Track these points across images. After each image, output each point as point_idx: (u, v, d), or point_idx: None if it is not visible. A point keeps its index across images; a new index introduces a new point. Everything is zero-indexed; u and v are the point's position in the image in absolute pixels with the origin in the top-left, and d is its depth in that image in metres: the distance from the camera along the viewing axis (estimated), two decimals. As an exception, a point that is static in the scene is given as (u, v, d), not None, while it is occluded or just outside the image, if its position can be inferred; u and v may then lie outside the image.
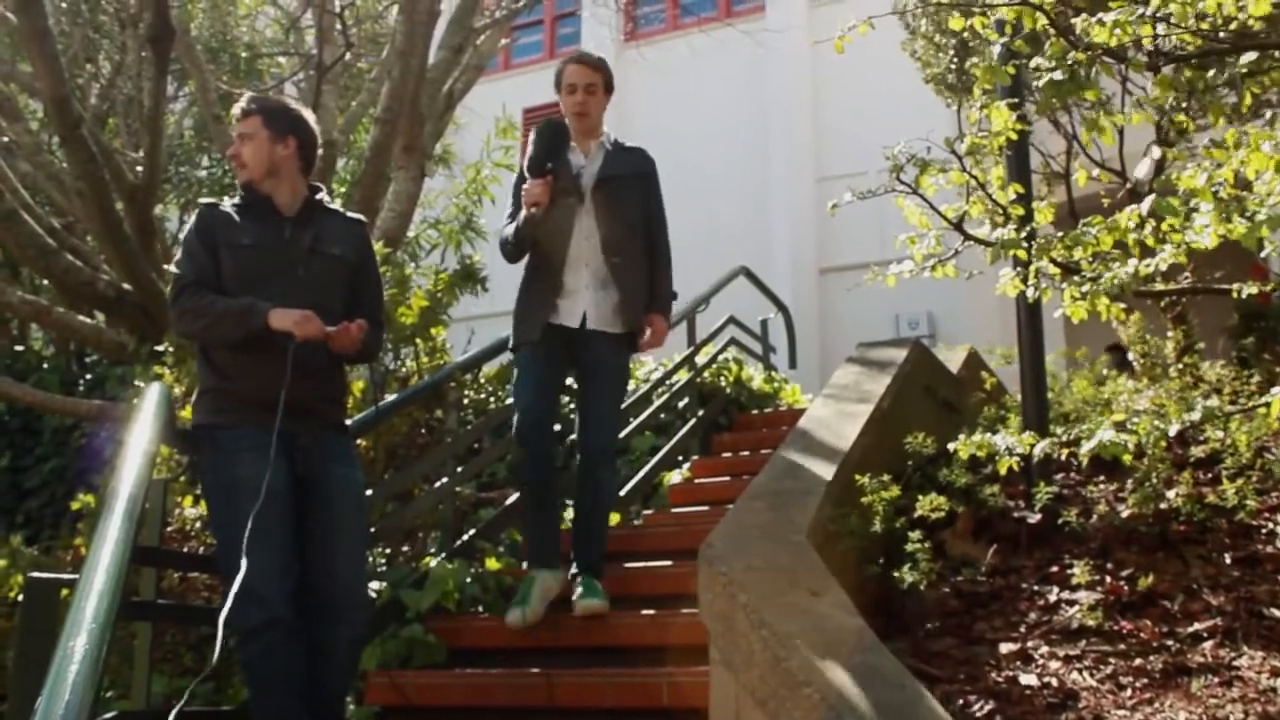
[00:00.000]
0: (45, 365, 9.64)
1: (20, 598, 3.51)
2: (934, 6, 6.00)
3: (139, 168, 8.93)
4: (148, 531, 3.43)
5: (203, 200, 3.77)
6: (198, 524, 5.04)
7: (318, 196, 3.72)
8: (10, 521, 8.21)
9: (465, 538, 5.17)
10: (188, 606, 4.60)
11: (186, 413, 5.18)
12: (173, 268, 3.72)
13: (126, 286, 8.36)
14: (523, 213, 4.30)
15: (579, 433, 4.48)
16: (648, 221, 4.57)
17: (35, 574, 3.08)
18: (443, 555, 4.95)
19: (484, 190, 10.24)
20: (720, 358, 8.25)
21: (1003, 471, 3.77)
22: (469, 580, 4.76)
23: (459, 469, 5.31)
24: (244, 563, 3.08)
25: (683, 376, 7.42)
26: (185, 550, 4.90)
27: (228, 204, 3.66)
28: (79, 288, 8.46)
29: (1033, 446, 3.49)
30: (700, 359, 7.71)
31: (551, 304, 4.40)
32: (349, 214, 3.86)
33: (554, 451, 4.56)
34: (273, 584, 3.23)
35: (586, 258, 4.42)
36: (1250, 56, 3.24)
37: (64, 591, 3.01)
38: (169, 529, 4.72)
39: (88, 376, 9.10)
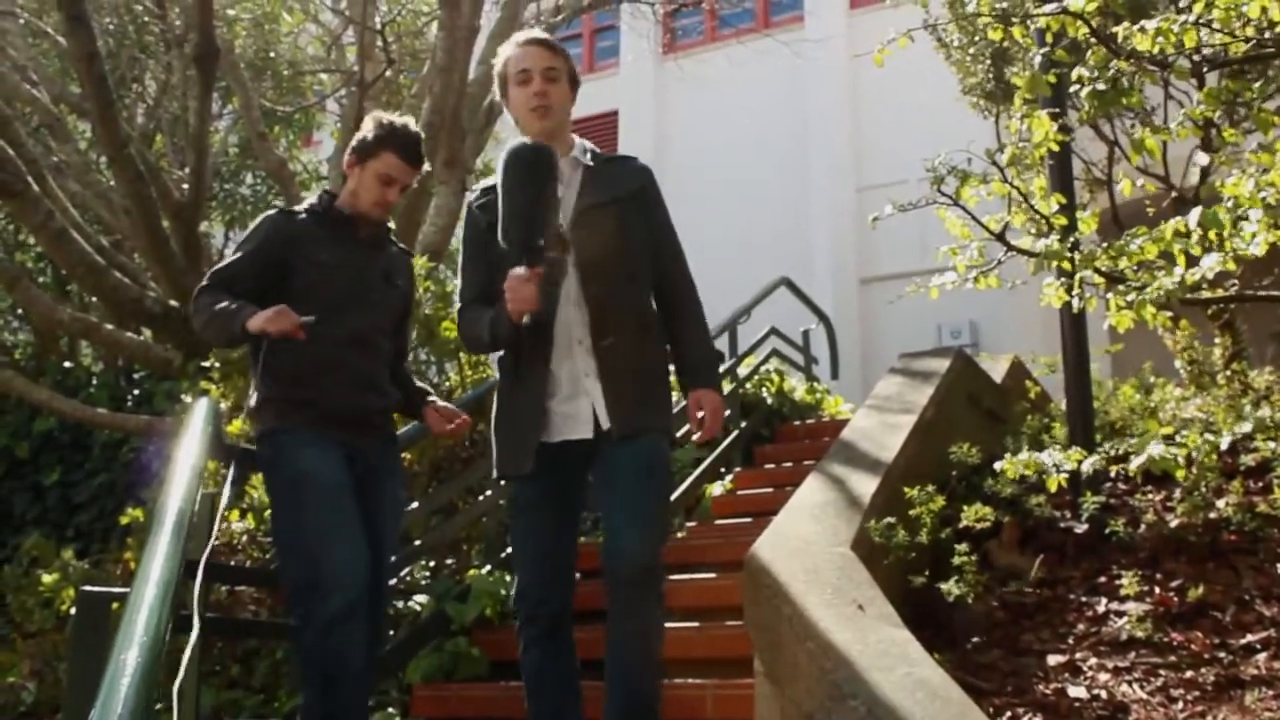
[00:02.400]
0: (94, 381, 9.78)
1: (72, 611, 3.57)
2: (970, 17, 5.97)
3: (184, 185, 9.05)
4: (196, 545, 3.48)
5: (280, 207, 3.74)
6: (244, 538, 5.10)
7: (388, 226, 3.73)
8: (61, 536, 8.32)
9: (508, 550, 5.19)
10: (237, 620, 4.65)
11: (233, 427, 5.26)
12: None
13: (173, 303, 8.47)
14: (495, 312, 3.03)
15: (606, 548, 2.99)
16: (657, 258, 3.23)
17: (87, 588, 3.12)
18: (487, 568, 4.97)
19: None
20: (762, 369, 8.24)
21: (1052, 489, 3.75)
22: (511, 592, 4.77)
23: (501, 482, 5.33)
24: (323, 551, 3.14)
25: (725, 388, 7.41)
26: (233, 564, 4.95)
27: (301, 211, 3.58)
28: (127, 304, 8.58)
29: (1080, 463, 3.46)
30: (742, 370, 7.70)
31: (542, 413, 3.07)
32: (404, 247, 3.84)
33: (570, 640, 3.18)
34: (354, 572, 3.15)
35: (578, 332, 3.07)
36: (1297, 61, 3.20)
37: (114, 605, 3.05)
38: (216, 543, 4.77)
39: (136, 392, 9.22)
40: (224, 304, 3.30)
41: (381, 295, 3.55)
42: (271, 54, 12.76)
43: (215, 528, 3.41)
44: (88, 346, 10.94)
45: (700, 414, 3.18)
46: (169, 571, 2.49)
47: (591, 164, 3.20)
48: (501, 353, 3.17)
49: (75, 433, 9.02)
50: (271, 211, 3.59)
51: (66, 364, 10.32)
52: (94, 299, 9.67)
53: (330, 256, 3.44)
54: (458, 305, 3.25)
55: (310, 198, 3.69)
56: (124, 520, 5.74)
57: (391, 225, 3.77)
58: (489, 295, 3.07)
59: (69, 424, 8.88)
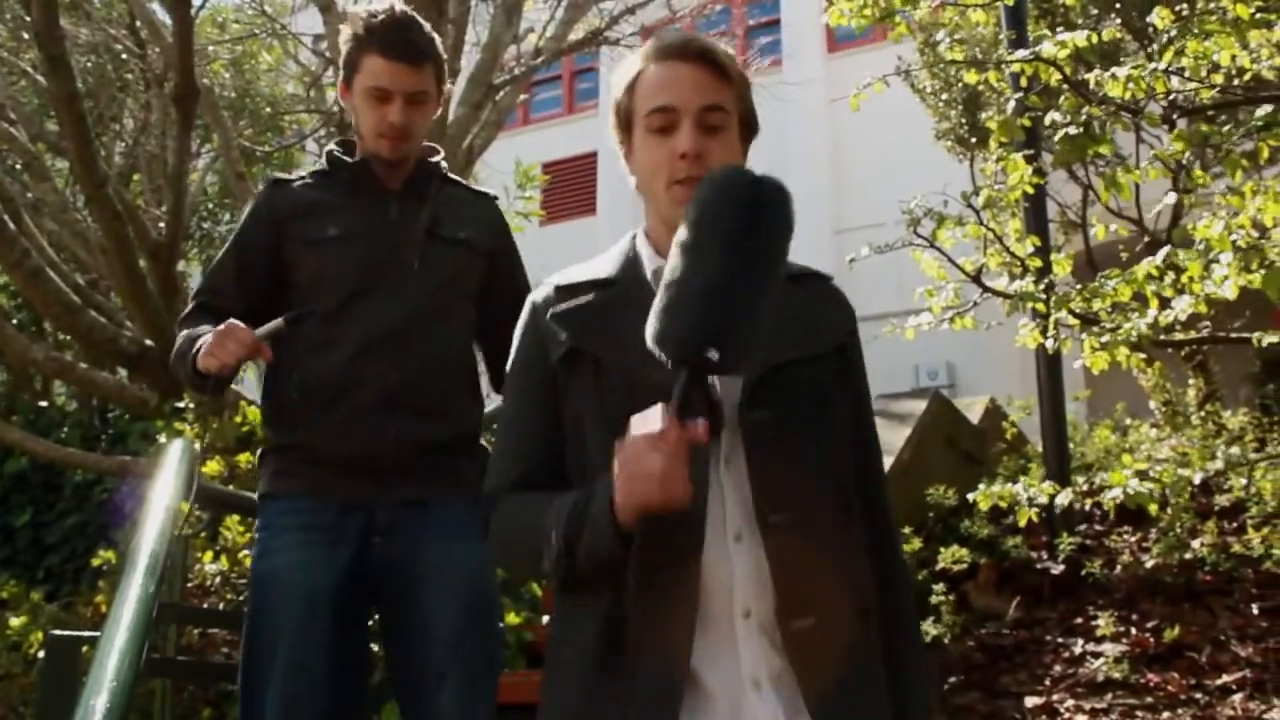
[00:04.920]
0: (68, 421, 9.70)
1: (41, 655, 3.52)
2: (944, 63, 6.05)
3: (162, 225, 9.03)
4: (169, 588, 3.44)
5: (271, 175, 2.79)
6: (217, 579, 5.04)
7: (433, 160, 2.62)
8: (31, 577, 8.22)
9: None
10: (209, 662, 4.59)
11: (208, 468, 5.22)
12: None
13: (149, 343, 8.42)
14: (581, 505, 1.51)
15: None
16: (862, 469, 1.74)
17: (56, 631, 3.09)
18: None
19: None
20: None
21: (1023, 523, 3.75)
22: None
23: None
24: (258, 684, 2.39)
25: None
26: (205, 606, 4.90)
27: (304, 175, 2.64)
28: (103, 344, 8.52)
29: (1054, 496, 3.48)
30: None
31: None
32: (475, 187, 2.80)
33: None
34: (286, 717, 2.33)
35: (746, 597, 1.53)
36: (1266, 109, 3.25)
37: (85, 649, 3.01)
38: (190, 584, 4.72)
39: (110, 432, 9.15)
40: (194, 334, 2.39)
41: (431, 262, 2.48)
42: (251, 93, 12.80)
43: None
44: (61, 386, 10.86)
45: None
46: (140, 615, 2.47)
47: None
48: (574, 604, 1.60)
49: (47, 473, 8.94)
50: (262, 188, 2.67)
51: (40, 403, 10.24)
52: (68, 338, 9.61)
53: (341, 227, 2.49)
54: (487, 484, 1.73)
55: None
56: (96, 562, 5.67)
57: (439, 158, 2.64)
58: (554, 470, 1.65)
59: (41, 464, 8.79)
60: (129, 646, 2.29)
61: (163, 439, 6.56)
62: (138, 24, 9.30)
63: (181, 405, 6.41)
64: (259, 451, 2.63)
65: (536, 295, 1.75)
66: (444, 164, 2.64)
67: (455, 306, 2.56)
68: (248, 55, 12.41)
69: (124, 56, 11.20)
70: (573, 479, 1.61)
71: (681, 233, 1.45)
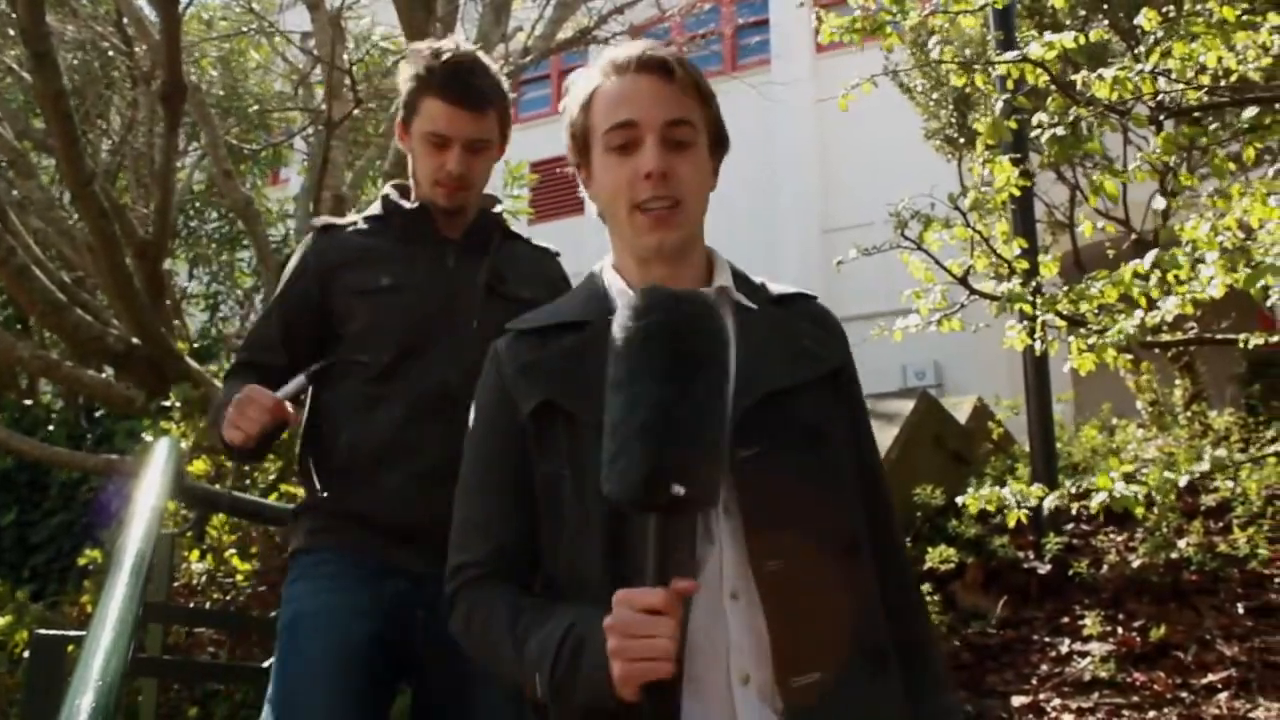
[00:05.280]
0: (53, 419, 9.66)
1: (26, 654, 3.50)
2: (934, 63, 6.06)
3: (149, 223, 9.00)
4: (155, 587, 3.43)
5: (316, 221, 2.56)
6: (203, 579, 5.03)
7: (496, 210, 2.46)
8: (17, 576, 8.18)
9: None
10: (195, 661, 4.58)
11: (195, 467, 5.20)
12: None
13: (136, 341, 8.39)
14: (566, 652, 1.38)
15: None
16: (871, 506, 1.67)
17: (42, 631, 3.07)
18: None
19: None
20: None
21: (1011, 523, 3.76)
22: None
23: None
24: None
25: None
26: (191, 605, 4.88)
27: (354, 220, 2.49)
28: (89, 343, 8.49)
29: (1042, 499, 3.49)
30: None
31: None
32: (538, 243, 2.57)
33: None
34: None
35: (743, 662, 1.43)
36: (1251, 111, 3.27)
37: (70, 648, 3.00)
38: (176, 584, 4.71)
39: (96, 431, 9.12)
40: (225, 398, 2.24)
41: (490, 321, 2.08)
42: (238, 91, 12.76)
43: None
44: (47, 384, 10.82)
45: None
46: (126, 614, 2.46)
47: (752, 305, 1.60)
48: None
49: (33, 472, 8.90)
50: (308, 236, 2.49)
51: (26, 402, 10.19)
52: (54, 336, 9.57)
53: (394, 276, 2.32)
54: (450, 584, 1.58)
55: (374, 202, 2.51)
56: (81, 561, 5.65)
57: (504, 206, 2.51)
58: (522, 548, 1.54)
59: (27, 463, 8.76)
60: (115, 646, 2.28)
61: (149, 438, 6.54)
62: (125, 21, 9.26)
63: (168, 404, 6.39)
64: (293, 509, 2.49)
65: (498, 343, 1.60)
66: (505, 211, 2.50)
67: None
68: (235, 53, 12.38)
69: (110, 54, 11.16)
70: (544, 543, 1.49)
71: (610, 369, 1.31)
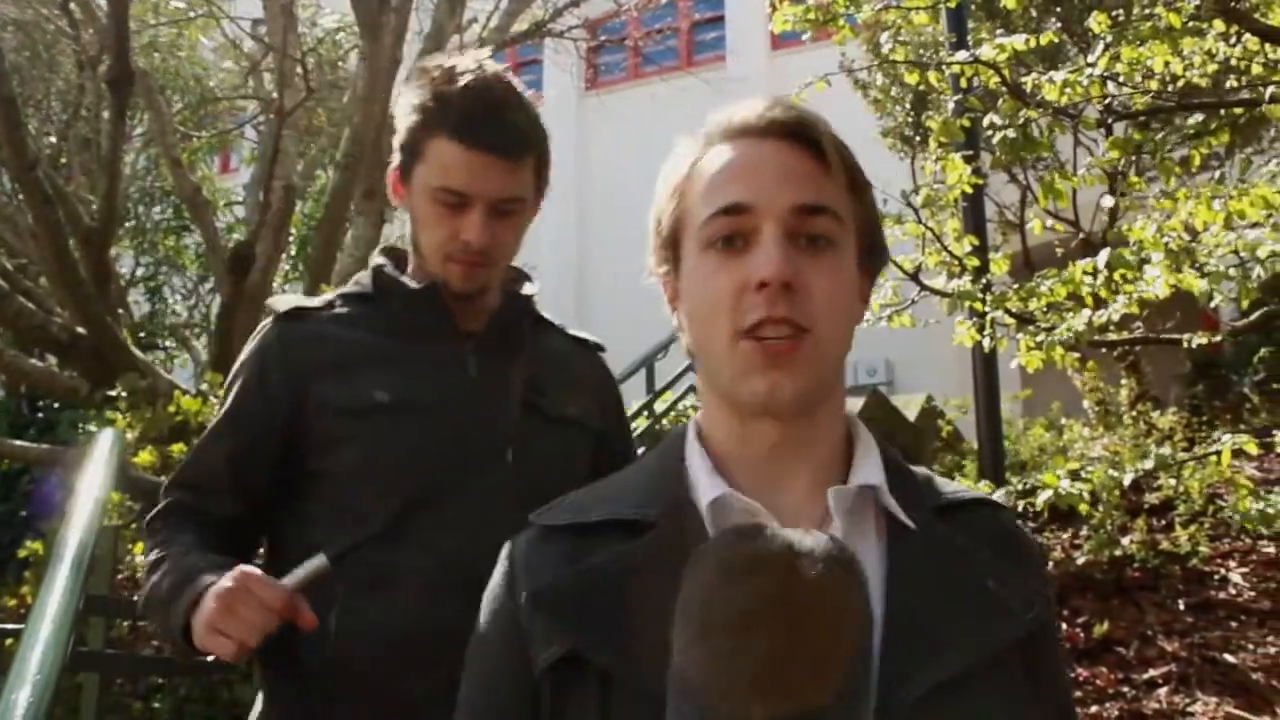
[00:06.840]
0: (-5, 409, 9.50)
1: (-36, 648, 3.44)
2: (886, 63, 6.10)
3: (94, 210, 8.86)
4: (97, 580, 3.38)
5: (278, 302, 1.71)
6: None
7: (525, 291, 1.75)
8: (-45, 568, 8.04)
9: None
10: (138, 656, 4.51)
11: (140, 458, 5.13)
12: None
13: (80, 330, 8.26)
14: None
15: None
16: None
17: (-20, 624, 3.02)
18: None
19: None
20: (680, 404, 8.27)
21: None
22: None
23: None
24: None
25: (641, 424, 7.42)
26: (136, 598, 4.82)
27: (332, 299, 1.72)
28: (32, 331, 8.34)
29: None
30: (660, 406, 7.72)
31: None
32: (575, 332, 1.84)
33: None
34: None
35: None
36: (1197, 118, 3.32)
37: (8, 642, 2.95)
38: (119, 576, 4.64)
39: (38, 420, 8.98)
40: (167, 564, 1.56)
41: (532, 451, 1.62)
42: (181, 74, 12.58)
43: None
44: (-12, 373, 10.63)
45: None
46: (67, 607, 2.42)
47: (910, 522, 1.00)
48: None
49: (-27, 462, 8.75)
50: (265, 323, 1.70)
51: (-34, 391, 10.01)
52: (-4, 324, 9.40)
53: (393, 390, 1.60)
54: None
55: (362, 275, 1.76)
56: (22, 554, 5.56)
57: (532, 289, 1.76)
58: None
59: (-34, 453, 8.60)
60: (54, 639, 2.25)
61: (93, 428, 6.44)
62: (70, 4, 9.10)
63: (113, 394, 6.29)
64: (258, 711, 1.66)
65: (517, 542, 1.04)
66: (534, 292, 1.76)
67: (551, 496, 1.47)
68: (182, 36, 12.19)
69: (55, 36, 10.97)
70: None
71: (678, 634, 0.83)
